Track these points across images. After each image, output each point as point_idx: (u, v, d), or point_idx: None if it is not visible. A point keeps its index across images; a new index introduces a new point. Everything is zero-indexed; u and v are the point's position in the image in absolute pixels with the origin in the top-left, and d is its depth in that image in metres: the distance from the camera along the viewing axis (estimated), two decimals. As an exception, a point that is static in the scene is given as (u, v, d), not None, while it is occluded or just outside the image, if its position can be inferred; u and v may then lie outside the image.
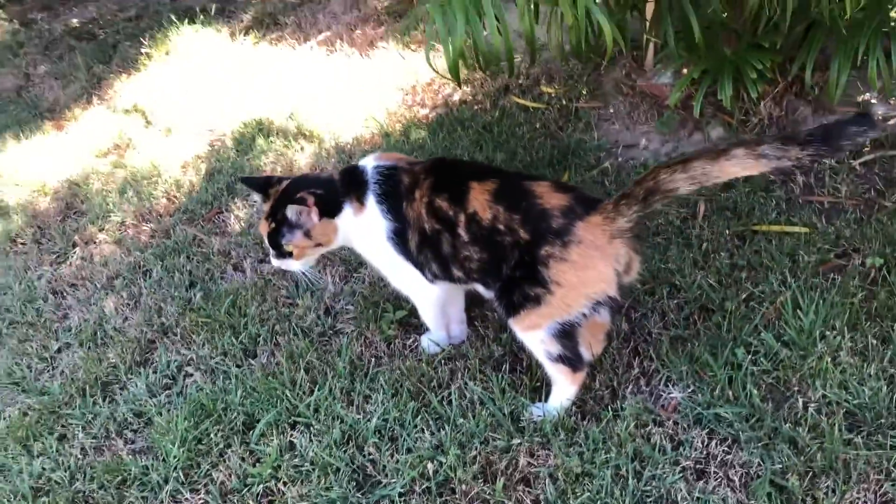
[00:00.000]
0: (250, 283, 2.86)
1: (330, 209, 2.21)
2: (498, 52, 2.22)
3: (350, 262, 2.88)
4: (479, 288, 2.21)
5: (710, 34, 2.81)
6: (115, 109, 4.22)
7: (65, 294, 3.04)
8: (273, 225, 2.23)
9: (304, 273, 2.36)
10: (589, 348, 2.24)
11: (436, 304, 2.35)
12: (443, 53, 2.31)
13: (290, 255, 2.26)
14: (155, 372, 2.60)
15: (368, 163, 2.24)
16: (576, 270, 1.94)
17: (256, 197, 2.30)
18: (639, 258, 2.04)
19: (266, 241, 2.28)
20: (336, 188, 2.23)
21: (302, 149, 3.50)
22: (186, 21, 4.85)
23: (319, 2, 4.88)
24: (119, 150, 3.83)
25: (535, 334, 2.07)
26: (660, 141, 3.17)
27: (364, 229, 2.23)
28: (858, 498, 1.83)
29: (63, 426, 2.48)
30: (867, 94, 3.02)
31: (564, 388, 2.15)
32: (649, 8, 3.03)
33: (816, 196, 2.71)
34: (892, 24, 2.61)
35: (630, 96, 3.40)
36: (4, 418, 2.56)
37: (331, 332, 2.60)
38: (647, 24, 3.06)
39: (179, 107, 3.96)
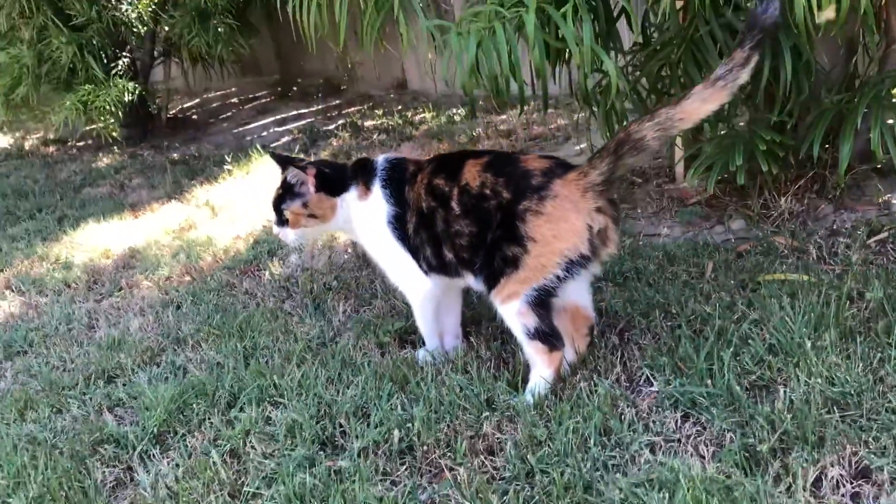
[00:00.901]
0: (266, 309, 2.99)
1: (331, 187, 2.39)
2: (502, 74, 2.46)
3: (362, 297, 2.99)
4: (469, 279, 2.28)
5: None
6: (188, 204, 4.63)
7: (98, 318, 3.22)
8: (280, 192, 2.42)
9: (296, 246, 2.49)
10: (573, 345, 2.24)
11: (430, 300, 2.41)
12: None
13: (286, 222, 2.42)
14: (158, 367, 2.69)
15: (380, 157, 2.45)
16: (550, 223, 2.01)
17: (278, 171, 2.51)
18: (615, 228, 2.09)
19: (272, 206, 2.46)
20: (345, 173, 2.43)
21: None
22: (269, 150, 5.41)
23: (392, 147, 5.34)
24: (182, 231, 4.16)
25: (513, 305, 2.10)
26: (681, 231, 3.26)
27: (367, 213, 2.38)
28: (831, 463, 1.70)
29: (61, 403, 2.55)
30: (888, 195, 3.08)
31: (542, 369, 2.13)
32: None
33: (828, 265, 2.70)
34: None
35: (658, 200, 3.55)
36: (9, 395, 2.65)
37: (330, 342, 2.65)
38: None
39: (247, 206, 4.32)
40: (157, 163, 5.82)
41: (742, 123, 3.03)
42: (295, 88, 7.54)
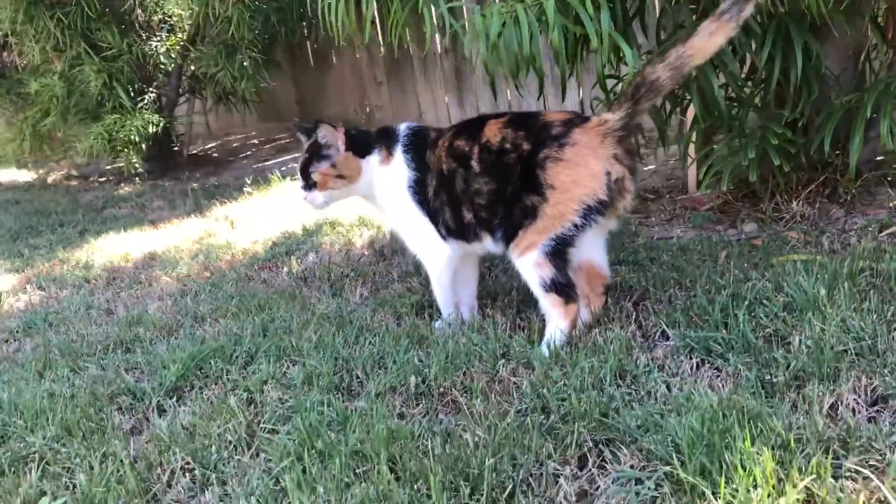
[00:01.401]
0: (285, 292, 3.03)
1: (358, 148, 2.45)
2: (522, 54, 2.56)
3: (379, 283, 3.03)
4: (487, 242, 2.32)
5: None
6: (207, 219, 4.72)
7: (116, 305, 3.26)
8: (307, 155, 2.48)
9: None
10: (588, 304, 2.27)
11: (448, 267, 2.44)
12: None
13: (314, 185, 2.46)
14: (176, 338, 2.72)
15: (402, 124, 2.52)
16: (568, 169, 2.07)
17: (303, 139, 2.56)
18: (632, 178, 2.14)
19: (299, 172, 2.50)
20: (369, 136, 2.50)
21: (361, 234, 3.80)
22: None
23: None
24: (201, 239, 4.23)
25: (530, 256, 2.14)
26: (694, 234, 3.30)
27: (388, 178, 2.44)
28: (847, 391, 1.70)
29: (79, 366, 2.58)
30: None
31: (558, 321, 2.15)
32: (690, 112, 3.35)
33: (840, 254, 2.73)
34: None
35: (671, 209, 3.61)
36: (28, 361, 2.68)
37: (348, 316, 2.68)
38: (689, 125, 3.36)
39: (265, 220, 4.40)
40: (177, 190, 5.94)
41: (752, 126, 3.10)
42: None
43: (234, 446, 1.93)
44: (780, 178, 3.15)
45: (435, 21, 2.92)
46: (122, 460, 1.87)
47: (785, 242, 2.87)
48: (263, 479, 1.74)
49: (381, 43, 6.87)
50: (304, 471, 1.73)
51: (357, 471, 1.70)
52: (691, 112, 3.32)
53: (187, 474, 1.85)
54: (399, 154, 2.43)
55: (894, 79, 2.85)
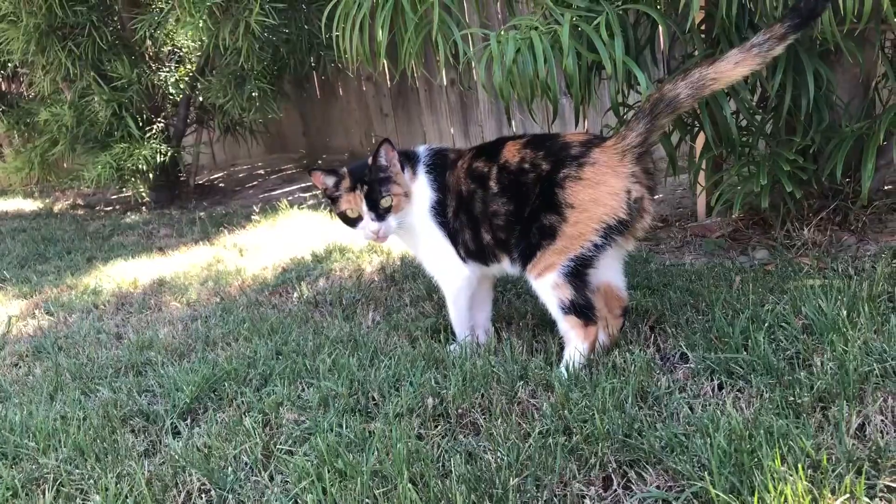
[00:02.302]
0: (297, 316, 3.01)
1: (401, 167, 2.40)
2: (538, 79, 2.58)
3: (391, 307, 3.01)
4: (505, 263, 2.32)
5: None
6: (216, 247, 4.71)
7: (127, 329, 3.25)
8: (366, 188, 2.34)
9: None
10: (606, 327, 2.26)
11: (465, 289, 2.43)
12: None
13: (388, 211, 2.34)
14: (189, 362, 2.70)
15: (420, 147, 2.52)
16: (589, 188, 2.07)
17: (329, 181, 2.45)
18: (651, 199, 2.14)
19: (362, 207, 2.35)
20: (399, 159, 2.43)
21: (371, 261, 3.80)
22: (297, 207, 5.53)
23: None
24: (210, 265, 4.22)
25: (549, 278, 2.13)
26: (705, 261, 3.30)
27: (414, 198, 2.42)
28: (874, 412, 1.69)
29: (90, 389, 2.56)
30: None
31: (577, 343, 2.14)
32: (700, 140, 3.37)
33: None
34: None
35: (682, 236, 3.62)
36: (39, 384, 2.66)
37: (362, 339, 2.66)
38: (697, 153, 3.37)
39: (274, 248, 4.40)
40: (184, 219, 5.94)
41: (762, 153, 3.11)
42: (320, 162, 7.75)
43: (251, 467, 1.90)
44: (792, 205, 3.15)
45: (448, 50, 2.94)
46: (137, 481, 1.84)
47: (798, 268, 2.86)
48: (282, 501, 1.72)
49: (389, 74, 6.93)
50: (323, 491, 1.71)
51: (377, 492, 1.67)
52: (701, 139, 3.35)
53: (203, 495, 1.83)
54: (422, 175, 2.43)
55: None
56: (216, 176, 8.18)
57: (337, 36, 3.18)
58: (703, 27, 3.14)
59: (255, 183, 7.45)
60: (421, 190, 2.41)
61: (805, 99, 2.87)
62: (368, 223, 2.38)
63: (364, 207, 2.36)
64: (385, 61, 3.16)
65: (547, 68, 2.58)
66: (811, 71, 2.82)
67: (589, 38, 2.63)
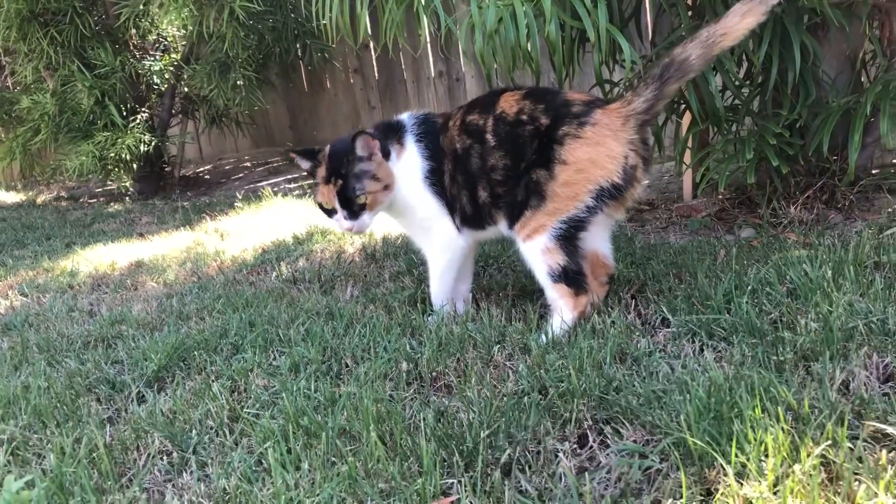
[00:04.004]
0: (273, 291, 2.94)
1: (385, 151, 2.27)
2: (519, 47, 2.52)
3: (370, 282, 2.95)
4: (502, 224, 2.22)
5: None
6: (196, 231, 4.64)
7: (100, 307, 3.17)
8: (340, 182, 2.22)
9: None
10: (591, 294, 2.19)
11: (457, 261, 2.35)
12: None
13: (363, 208, 2.24)
14: (160, 332, 2.63)
15: (403, 115, 2.41)
16: (588, 147, 2.00)
17: (304, 164, 2.37)
18: (645, 169, 2.08)
19: (335, 202, 2.25)
20: (379, 136, 2.28)
21: (353, 242, 3.73)
22: (281, 195, 5.47)
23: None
24: (190, 249, 4.15)
25: (539, 240, 2.05)
26: (690, 240, 3.25)
27: (405, 171, 2.29)
28: (858, 367, 1.63)
29: (57, 360, 2.48)
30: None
31: (565, 313, 2.07)
32: (686, 119, 3.33)
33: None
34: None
35: (667, 217, 3.57)
36: (6, 353, 2.58)
37: (338, 311, 2.59)
38: (683, 131, 3.33)
39: (255, 233, 4.33)
40: (167, 208, 5.87)
41: (749, 129, 3.07)
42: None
43: (216, 430, 1.83)
44: (778, 182, 3.11)
45: (430, 21, 2.88)
46: (95, 444, 1.77)
47: (784, 243, 2.81)
48: (245, 460, 1.65)
49: (378, 66, 6.88)
50: (289, 451, 1.64)
51: (345, 449, 1.61)
52: (688, 118, 3.30)
53: (165, 457, 1.75)
54: (411, 144, 2.29)
55: (892, 79, 2.83)
56: (202, 168, 8.10)
57: (316, 11, 3.11)
58: (688, -1, 3.10)
59: (240, 175, 7.37)
60: (412, 160, 2.28)
61: (791, 72, 2.83)
62: (341, 220, 2.28)
63: (337, 204, 2.26)
64: (370, 53, 3.11)
65: (529, 35, 2.52)
66: (798, 43, 2.78)
67: (573, 8, 2.57)
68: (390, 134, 2.33)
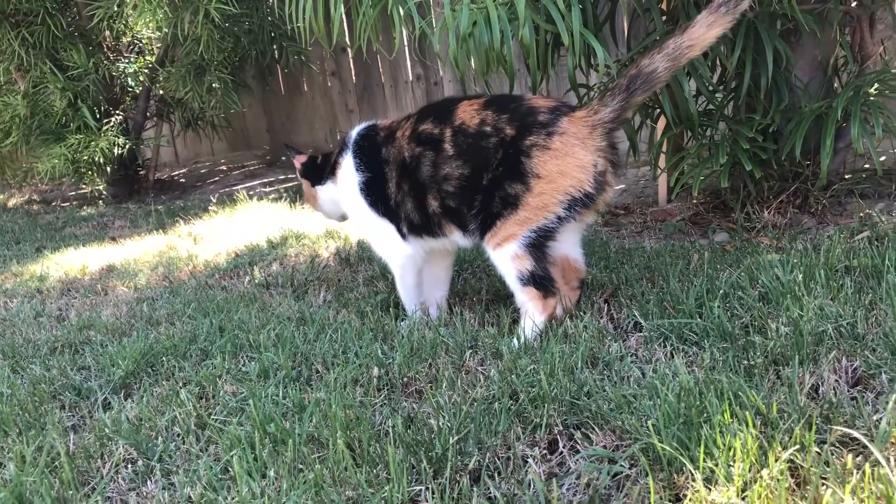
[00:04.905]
0: (245, 296, 2.91)
1: (313, 176, 2.54)
2: (494, 50, 2.51)
3: (344, 287, 2.92)
4: (456, 235, 2.23)
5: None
6: (170, 235, 4.59)
7: (69, 312, 3.12)
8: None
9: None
10: (562, 300, 2.19)
11: (409, 267, 2.36)
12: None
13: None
14: (129, 338, 2.59)
15: (356, 128, 2.45)
16: (556, 159, 1.98)
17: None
18: (614, 173, 2.07)
19: None
20: (327, 163, 2.53)
21: (328, 246, 3.70)
22: (256, 198, 5.42)
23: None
24: (162, 253, 4.09)
25: (509, 248, 2.05)
26: (664, 243, 3.25)
27: (343, 185, 2.40)
28: (828, 371, 1.63)
29: (22, 367, 2.43)
30: (868, 210, 3.11)
31: (534, 316, 2.06)
32: (661, 123, 3.34)
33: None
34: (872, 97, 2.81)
35: (642, 222, 3.57)
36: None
37: (310, 315, 2.57)
38: (658, 134, 3.33)
39: (229, 237, 4.28)
40: (141, 212, 5.80)
41: (722, 133, 3.09)
42: (284, 158, 7.64)
43: (183, 438, 1.80)
44: (752, 186, 3.12)
45: (403, 23, 2.86)
46: (58, 452, 1.73)
47: (757, 247, 2.82)
48: (211, 468, 1.62)
49: (355, 69, 6.86)
50: (256, 458, 1.61)
51: (313, 456, 1.58)
52: (662, 122, 3.31)
53: (130, 465, 1.72)
54: (348, 159, 2.38)
55: (863, 85, 2.85)
56: (177, 172, 8.03)
57: (290, 13, 3.08)
58: (662, 3, 3.11)
59: (216, 178, 7.31)
60: (348, 174, 2.37)
61: (765, 78, 2.84)
62: None
63: None
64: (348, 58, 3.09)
65: (503, 38, 2.51)
66: (771, 49, 2.79)
67: (548, 12, 2.57)
68: (337, 155, 2.48)
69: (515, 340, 2.04)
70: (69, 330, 2.75)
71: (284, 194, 5.90)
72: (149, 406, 1.95)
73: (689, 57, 1.99)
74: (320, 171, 2.55)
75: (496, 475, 1.47)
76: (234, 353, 2.25)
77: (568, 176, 1.99)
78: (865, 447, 1.35)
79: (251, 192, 5.93)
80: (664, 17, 3.10)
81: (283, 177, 6.90)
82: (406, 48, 6.43)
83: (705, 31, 1.95)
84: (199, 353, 2.31)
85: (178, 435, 1.82)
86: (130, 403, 2.03)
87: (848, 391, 1.59)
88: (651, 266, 2.59)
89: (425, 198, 2.21)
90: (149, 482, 1.64)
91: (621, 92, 2.01)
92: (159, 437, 1.80)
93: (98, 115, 6.13)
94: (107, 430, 1.83)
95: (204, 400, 1.99)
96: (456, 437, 1.53)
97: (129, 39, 6.47)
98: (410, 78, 6.53)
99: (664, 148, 3.28)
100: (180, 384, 2.11)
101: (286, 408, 1.81)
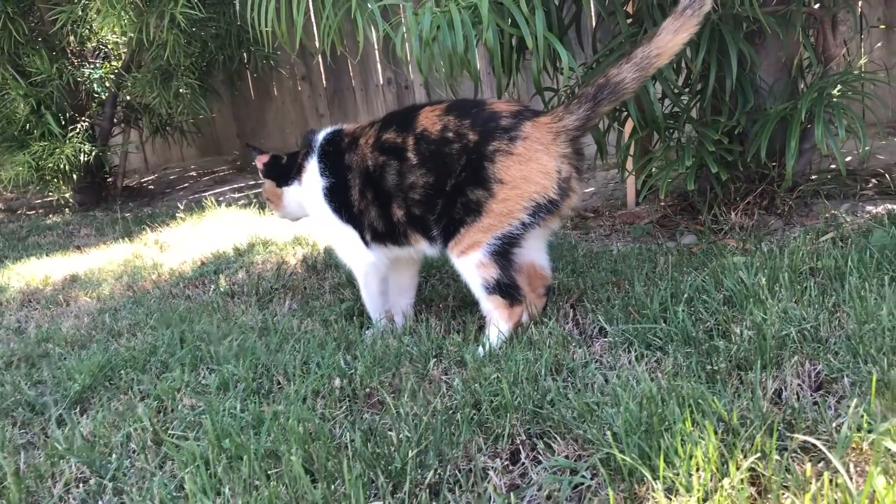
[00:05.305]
0: (209, 305, 2.86)
1: (277, 176, 2.49)
2: (456, 53, 2.48)
3: (310, 295, 2.88)
4: (422, 244, 2.20)
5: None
6: (136, 243, 4.51)
7: (28, 323, 3.05)
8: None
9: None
10: (529, 307, 2.17)
11: (372, 274, 2.32)
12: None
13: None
14: (87, 350, 2.53)
15: (323, 131, 2.42)
16: (520, 164, 1.96)
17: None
18: (578, 178, 2.05)
19: None
20: (293, 164, 2.47)
21: (295, 253, 3.66)
22: (225, 205, 5.35)
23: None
24: (128, 262, 4.02)
25: (473, 256, 2.02)
26: (632, 246, 3.24)
27: (307, 189, 2.37)
28: (791, 376, 1.62)
29: (-24, 382, 2.37)
30: (834, 211, 3.12)
31: (500, 325, 2.04)
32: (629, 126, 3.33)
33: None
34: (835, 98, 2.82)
35: (611, 225, 3.56)
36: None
37: (273, 325, 2.52)
38: (626, 137, 3.32)
39: (196, 244, 4.22)
40: (108, 219, 5.70)
41: (689, 136, 3.09)
42: (254, 163, 7.55)
43: (138, 454, 1.75)
44: (718, 188, 3.13)
45: (367, 26, 2.83)
46: (5, 472, 1.67)
47: (724, 249, 2.82)
48: (166, 486, 1.57)
49: (325, 74, 6.81)
50: (212, 475, 1.57)
51: (270, 472, 1.54)
52: (629, 125, 3.30)
53: (82, 485, 1.67)
54: (313, 164, 2.34)
55: (826, 86, 2.87)
56: (146, 178, 7.92)
57: (252, 18, 3.04)
58: (627, 6, 3.10)
59: (185, 185, 7.22)
60: (312, 179, 2.34)
61: (729, 80, 2.84)
62: None
63: None
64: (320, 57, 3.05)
65: (466, 42, 2.49)
66: (735, 51, 2.79)
67: (512, 15, 2.55)
68: (302, 157, 2.44)
69: (481, 349, 2.02)
70: (27, 343, 2.68)
71: (254, 200, 5.84)
72: (104, 422, 1.90)
73: (657, 66, 1.98)
74: (286, 171, 2.49)
75: (456, 488, 1.44)
76: (194, 364, 2.20)
77: (532, 182, 1.96)
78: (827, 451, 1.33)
79: (220, 199, 5.86)
80: (629, 20, 3.09)
81: (252, 182, 6.82)
82: (376, 52, 6.40)
83: (672, 37, 1.93)
84: (160, 366, 2.25)
85: (134, 451, 1.77)
86: (86, 419, 1.98)
87: (811, 395, 1.58)
88: (618, 270, 2.58)
89: (390, 206, 2.18)
90: (100, 502, 1.59)
91: (588, 101, 1.99)
92: (113, 455, 1.75)
93: (63, 122, 6.02)
94: (59, 448, 1.78)
95: (162, 414, 1.94)
96: (416, 450, 1.50)
97: (94, 44, 6.36)
98: (381, 81, 6.50)
99: (631, 151, 3.28)
100: (138, 398, 2.06)
101: (244, 421, 1.77)
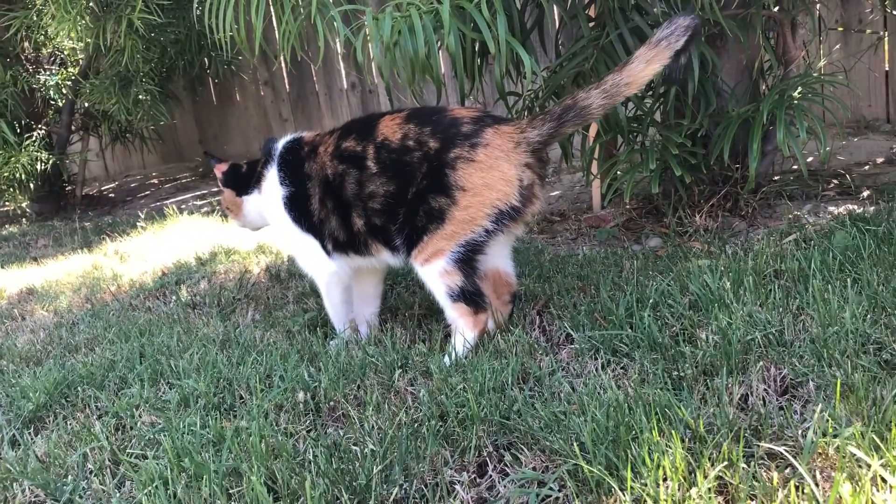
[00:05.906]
0: (169, 317, 2.80)
1: (237, 185, 2.45)
2: (418, 58, 2.46)
3: (273, 305, 2.83)
4: (384, 254, 2.17)
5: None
6: (95, 254, 4.42)
7: (-18, 340, 2.96)
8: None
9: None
10: (494, 314, 2.14)
11: (335, 284, 2.29)
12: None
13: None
14: (42, 367, 2.46)
15: (283, 139, 2.38)
16: (481, 172, 1.94)
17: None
18: (541, 185, 2.04)
19: None
20: (253, 173, 2.43)
21: (259, 262, 3.60)
22: (187, 212, 5.27)
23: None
24: (87, 273, 3.93)
25: (437, 264, 1.99)
26: (598, 250, 3.24)
27: (267, 197, 2.33)
28: (757, 381, 1.62)
29: (-74, 403, 2.28)
30: (797, 212, 3.15)
31: (465, 332, 2.01)
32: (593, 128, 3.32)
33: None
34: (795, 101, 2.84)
35: (577, 229, 3.56)
36: None
37: (235, 337, 2.47)
38: (590, 141, 3.32)
39: (157, 254, 4.14)
40: (67, 229, 5.58)
41: (652, 139, 3.09)
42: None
43: (95, 475, 1.70)
44: (683, 191, 3.13)
45: (326, 32, 2.79)
46: (-44, 497, 1.61)
47: (689, 252, 2.82)
48: (123, 508, 1.52)
49: (288, 79, 6.75)
50: (172, 494, 1.52)
51: (231, 491, 1.50)
52: (594, 129, 3.30)
53: (36, 508, 1.61)
54: (273, 172, 2.31)
55: (787, 88, 2.89)
56: (107, 186, 7.78)
57: (209, 23, 2.98)
58: (589, 9, 3.10)
59: (147, 192, 7.10)
60: (272, 188, 2.30)
61: (692, 83, 2.85)
62: None
63: None
64: (282, 56, 2.99)
65: (427, 46, 2.46)
66: (697, 54, 2.80)
67: (474, 19, 2.53)
68: (262, 165, 2.39)
69: (447, 357, 1.99)
70: (-20, 361, 2.60)
71: (217, 207, 5.75)
72: (59, 442, 1.84)
73: (625, 94, 1.99)
74: (246, 180, 2.45)
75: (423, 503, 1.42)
76: (154, 379, 2.15)
77: (493, 189, 1.94)
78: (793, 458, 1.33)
79: (183, 206, 5.77)
80: (591, 24, 3.09)
81: (215, 189, 6.72)
82: (339, 56, 6.35)
83: (644, 67, 1.93)
84: (118, 381, 2.20)
85: (91, 472, 1.72)
86: (40, 439, 1.92)
87: (777, 400, 1.58)
88: (584, 275, 2.57)
89: (350, 216, 2.14)
90: (55, 526, 1.53)
91: (552, 119, 1.99)
92: (69, 476, 1.69)
93: (19, 130, 5.89)
94: (12, 471, 1.72)
95: (120, 432, 1.89)
96: (381, 465, 1.47)
97: (49, 51, 6.23)
98: (345, 86, 6.45)
99: (596, 154, 3.28)
100: (96, 416, 2.01)
101: (205, 439, 1.72)
